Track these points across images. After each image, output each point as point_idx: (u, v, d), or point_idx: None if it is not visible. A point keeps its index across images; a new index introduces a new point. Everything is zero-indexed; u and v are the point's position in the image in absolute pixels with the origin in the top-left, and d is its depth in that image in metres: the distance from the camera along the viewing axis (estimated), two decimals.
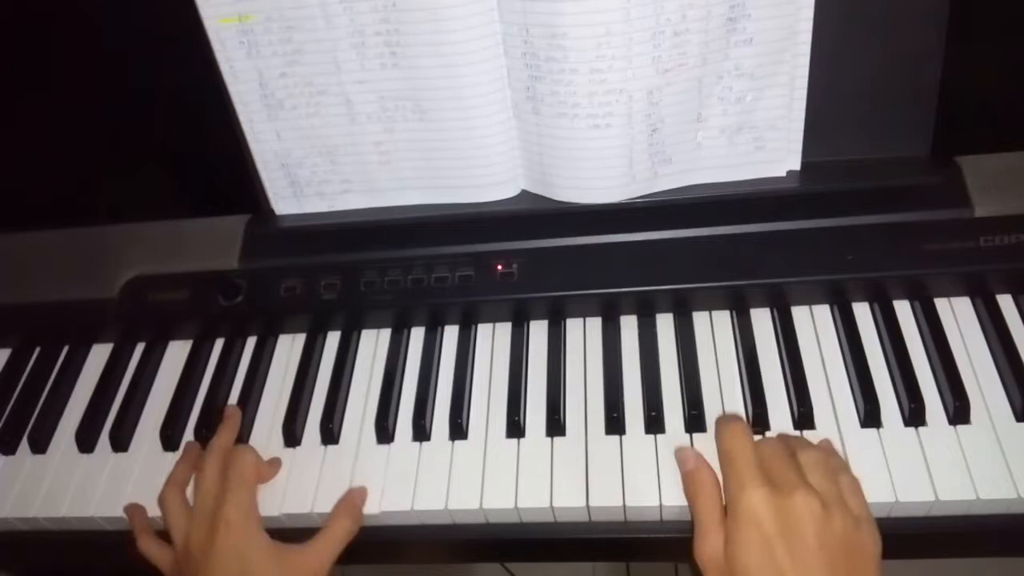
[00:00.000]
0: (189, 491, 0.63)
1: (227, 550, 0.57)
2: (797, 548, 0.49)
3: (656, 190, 0.70)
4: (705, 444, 0.60)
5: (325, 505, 0.62)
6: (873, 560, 0.51)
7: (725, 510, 0.53)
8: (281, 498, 0.63)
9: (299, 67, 0.68)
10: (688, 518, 0.59)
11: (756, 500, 0.50)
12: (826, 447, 0.58)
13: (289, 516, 0.62)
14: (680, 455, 0.58)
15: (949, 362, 0.62)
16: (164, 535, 0.62)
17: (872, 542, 0.51)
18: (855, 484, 0.54)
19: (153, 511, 0.64)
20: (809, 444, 0.56)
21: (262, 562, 0.57)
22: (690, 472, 0.56)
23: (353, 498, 0.61)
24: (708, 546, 0.52)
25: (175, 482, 0.63)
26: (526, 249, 0.70)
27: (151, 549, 0.62)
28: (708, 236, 0.68)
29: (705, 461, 0.57)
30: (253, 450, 0.64)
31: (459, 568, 1.36)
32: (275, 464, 0.65)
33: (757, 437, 0.59)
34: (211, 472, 0.61)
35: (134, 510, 0.64)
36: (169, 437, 0.68)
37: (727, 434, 0.55)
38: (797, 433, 0.60)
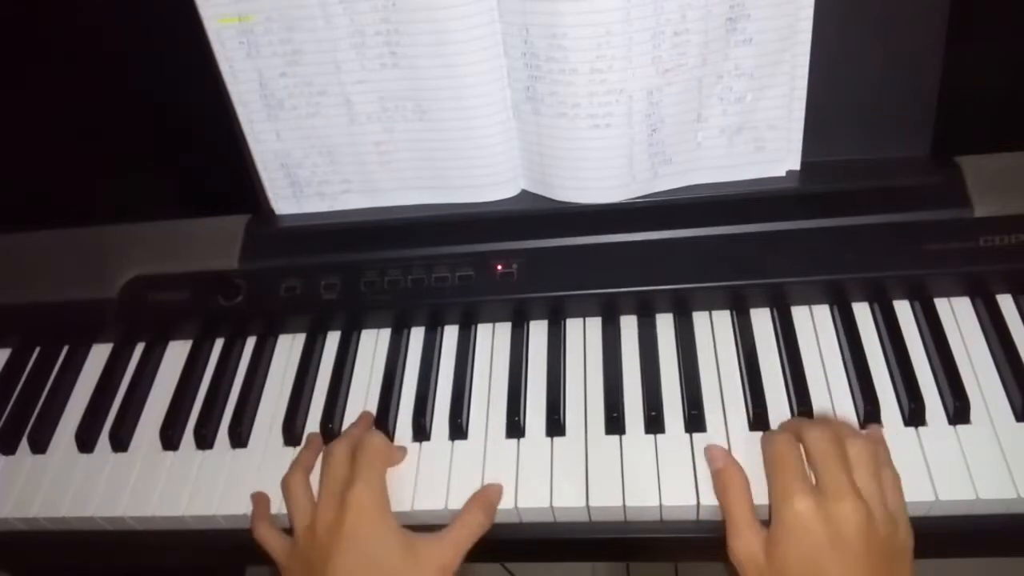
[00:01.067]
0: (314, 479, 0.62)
1: (357, 532, 0.55)
2: (845, 556, 0.49)
3: (656, 190, 0.70)
4: (706, 444, 0.60)
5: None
6: (910, 560, 0.52)
7: (763, 508, 0.53)
8: (281, 498, 0.63)
9: (299, 67, 0.68)
10: (689, 518, 0.59)
11: (804, 509, 0.50)
12: (876, 436, 0.57)
13: (283, 513, 0.62)
14: (709, 453, 0.58)
15: (949, 362, 0.62)
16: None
17: (909, 542, 0.52)
18: (896, 480, 0.54)
19: (158, 510, 0.64)
20: (857, 434, 0.55)
21: (392, 547, 0.55)
22: (720, 471, 0.56)
23: (489, 493, 0.59)
24: (743, 544, 0.52)
25: (301, 466, 0.62)
26: (526, 249, 0.70)
27: (268, 536, 0.60)
28: (708, 236, 0.68)
29: (734, 459, 0.57)
30: (382, 434, 0.62)
31: (459, 568, 1.36)
32: (403, 450, 0.63)
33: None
34: (340, 455, 0.60)
35: (259, 497, 0.62)
36: (169, 437, 0.68)
37: (774, 440, 0.56)
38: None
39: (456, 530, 0.57)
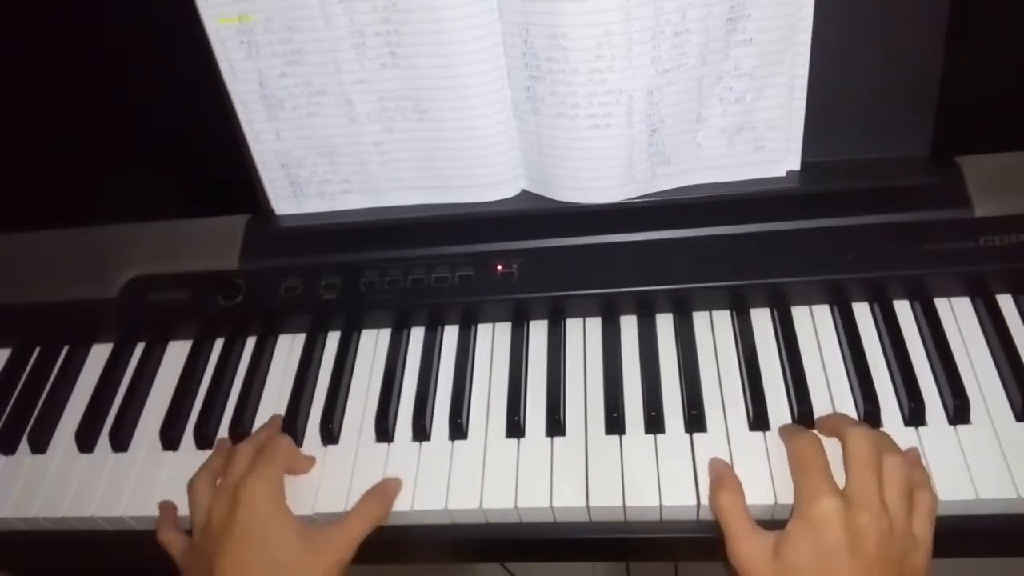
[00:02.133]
0: None
1: (249, 520, 0.55)
2: (859, 564, 0.49)
3: (656, 190, 0.70)
4: (705, 444, 0.60)
5: (326, 505, 0.61)
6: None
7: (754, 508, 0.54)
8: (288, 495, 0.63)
9: (299, 67, 0.68)
10: (689, 518, 0.59)
11: (830, 510, 0.50)
12: (912, 458, 0.57)
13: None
14: (711, 464, 0.58)
15: (949, 362, 0.62)
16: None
17: (926, 567, 0.52)
18: (933, 504, 0.54)
19: (155, 511, 0.64)
20: (896, 450, 0.55)
21: (286, 535, 0.56)
22: (719, 480, 0.57)
23: (387, 486, 0.60)
24: (747, 548, 0.52)
25: (207, 469, 0.62)
26: (526, 249, 0.70)
27: (168, 536, 0.61)
28: (708, 236, 0.68)
29: (730, 468, 0.57)
30: (288, 438, 0.63)
31: (459, 568, 1.36)
32: (310, 460, 0.64)
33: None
34: (243, 453, 0.61)
35: (165, 505, 0.63)
36: (169, 437, 0.68)
37: (802, 440, 0.56)
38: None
39: (351, 520, 0.58)
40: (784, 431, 0.59)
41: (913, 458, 0.57)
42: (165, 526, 0.62)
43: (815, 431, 0.58)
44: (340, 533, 0.57)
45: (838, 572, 0.49)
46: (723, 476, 0.57)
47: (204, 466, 0.63)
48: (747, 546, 0.52)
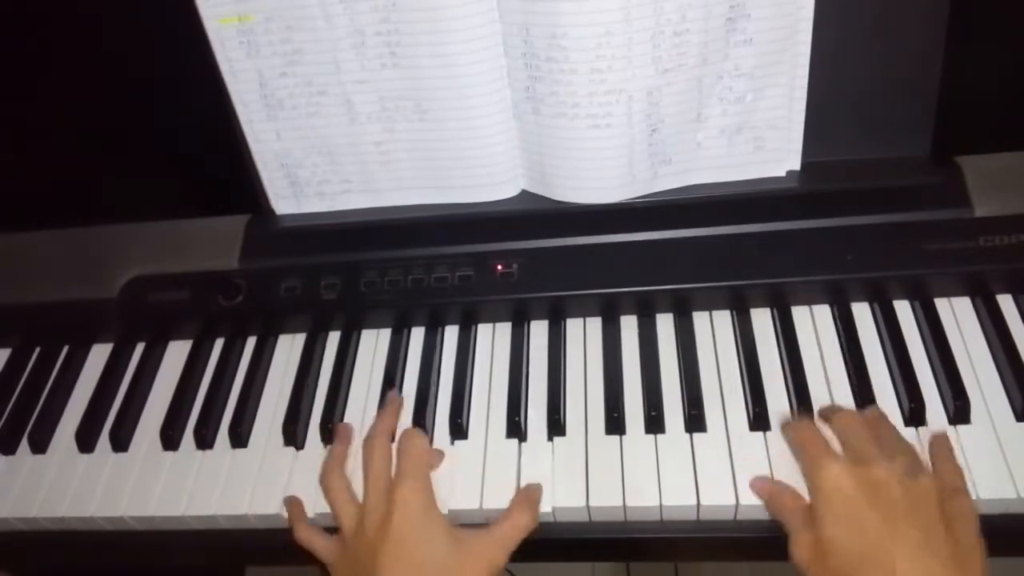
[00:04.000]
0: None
1: (404, 531, 0.55)
2: (886, 510, 0.49)
3: (656, 190, 0.70)
4: (705, 444, 0.60)
5: (324, 505, 0.61)
6: (973, 527, 0.51)
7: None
8: (282, 499, 0.63)
9: (299, 67, 0.68)
10: (689, 518, 0.59)
11: (835, 473, 0.51)
12: (946, 451, 0.57)
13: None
14: (754, 485, 0.58)
15: (949, 362, 0.62)
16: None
17: (973, 510, 0.52)
18: (957, 469, 0.55)
19: (158, 511, 0.64)
20: (889, 424, 0.57)
21: (440, 545, 0.55)
22: (763, 489, 0.57)
23: (532, 492, 0.59)
24: (801, 544, 0.52)
25: (337, 463, 0.62)
26: (526, 249, 0.70)
27: (311, 537, 0.60)
28: (708, 236, 0.68)
29: (771, 480, 0.57)
30: (421, 434, 0.62)
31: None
32: (441, 454, 0.63)
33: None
34: (381, 454, 0.60)
35: (293, 501, 0.62)
36: (169, 437, 0.68)
37: (797, 426, 0.57)
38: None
39: (503, 527, 0.57)
40: (784, 426, 0.60)
41: (941, 439, 0.57)
42: (302, 524, 0.61)
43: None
44: (492, 539, 0.57)
45: (868, 530, 0.49)
46: (766, 486, 0.57)
47: (332, 460, 0.62)
48: (802, 543, 0.52)
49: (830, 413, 0.57)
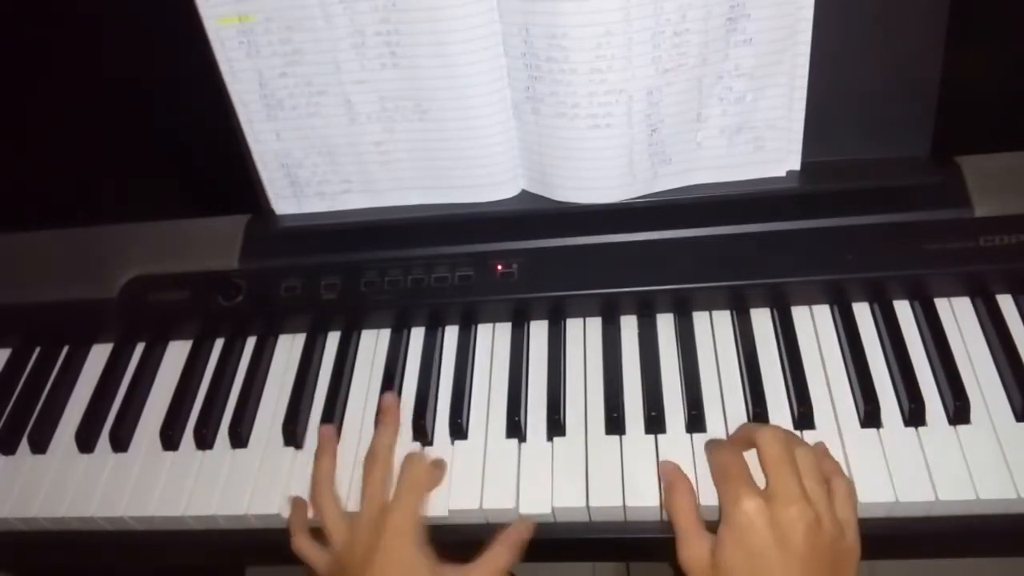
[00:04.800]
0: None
1: (393, 558, 0.56)
2: (789, 558, 0.50)
3: (656, 190, 0.70)
4: (703, 443, 0.60)
5: None
6: (854, 566, 0.53)
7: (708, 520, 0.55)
8: (282, 499, 0.63)
9: (299, 67, 0.68)
10: None
11: (752, 510, 0.51)
12: (821, 450, 0.59)
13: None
14: (662, 467, 0.59)
15: (949, 362, 0.62)
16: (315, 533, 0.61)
17: (855, 548, 0.53)
18: (849, 488, 0.55)
19: (158, 511, 0.64)
20: (806, 445, 0.56)
21: (425, 573, 0.56)
22: (669, 484, 0.57)
23: (520, 530, 0.59)
24: (692, 551, 0.53)
25: (325, 481, 0.61)
26: (526, 249, 0.70)
27: (307, 549, 0.60)
28: (708, 236, 0.68)
29: (681, 472, 0.58)
30: (423, 459, 0.62)
31: None
32: (443, 465, 0.63)
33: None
34: (380, 476, 0.60)
35: (296, 504, 0.62)
36: (169, 437, 0.68)
37: (717, 449, 0.57)
38: (797, 433, 0.60)
39: (485, 562, 0.58)
40: (706, 446, 0.60)
41: (822, 450, 0.58)
42: (301, 534, 0.61)
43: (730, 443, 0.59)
44: (474, 574, 0.57)
45: (770, 569, 0.50)
46: (674, 479, 0.58)
47: (320, 477, 0.61)
48: (689, 550, 0.54)
49: (755, 436, 0.55)
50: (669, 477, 0.58)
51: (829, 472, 0.56)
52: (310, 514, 0.62)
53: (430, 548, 0.57)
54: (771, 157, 0.69)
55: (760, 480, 0.54)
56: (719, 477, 0.56)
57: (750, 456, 0.56)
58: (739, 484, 0.53)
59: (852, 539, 0.53)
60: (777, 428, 0.56)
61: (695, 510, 0.56)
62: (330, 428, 0.65)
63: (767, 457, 0.54)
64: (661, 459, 0.60)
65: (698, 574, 0.53)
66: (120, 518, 0.64)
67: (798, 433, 0.60)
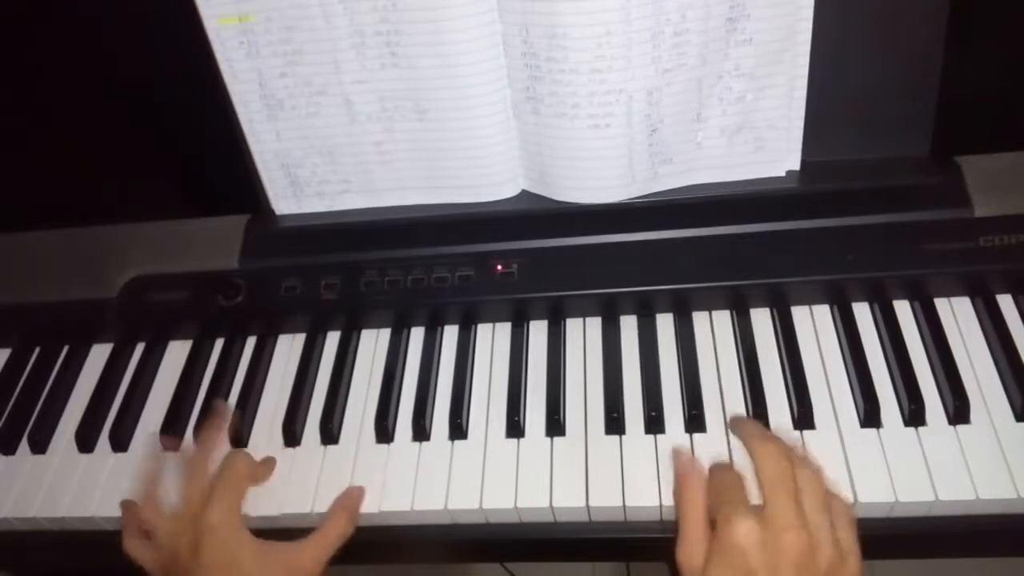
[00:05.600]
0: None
1: (215, 555, 0.56)
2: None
3: (656, 190, 0.70)
4: (705, 445, 0.60)
5: (325, 505, 0.61)
6: None
7: (713, 523, 0.53)
8: (282, 498, 0.63)
9: (299, 67, 0.68)
10: None
11: (743, 532, 0.49)
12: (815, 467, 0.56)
13: (289, 516, 0.62)
14: (675, 459, 0.58)
15: (949, 362, 0.62)
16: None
17: (856, 573, 0.51)
18: (846, 509, 0.53)
19: None
20: (807, 462, 0.54)
21: (251, 562, 0.57)
22: (681, 477, 0.56)
23: (351, 497, 0.61)
24: (689, 553, 0.52)
25: (149, 481, 0.62)
26: (526, 249, 0.70)
27: (137, 550, 0.61)
28: (708, 236, 0.68)
29: (698, 469, 0.56)
30: (244, 455, 0.63)
31: (459, 568, 1.36)
32: (269, 464, 0.64)
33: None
34: (196, 474, 0.61)
35: (128, 509, 0.63)
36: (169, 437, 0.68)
37: (717, 469, 0.55)
38: (797, 434, 0.60)
39: (318, 536, 0.59)
40: (711, 468, 0.57)
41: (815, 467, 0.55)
42: (131, 537, 0.61)
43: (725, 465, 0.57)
44: (306, 549, 0.58)
45: None
46: (686, 472, 0.55)
47: (147, 479, 0.63)
48: (685, 553, 0.52)
49: (754, 450, 0.54)
50: (681, 469, 0.56)
51: (828, 495, 0.53)
52: (307, 506, 0.62)
53: (251, 535, 0.58)
54: (771, 157, 0.69)
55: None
56: (714, 493, 0.54)
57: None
58: (732, 504, 0.51)
59: (853, 565, 0.51)
60: (778, 443, 0.54)
61: (701, 509, 0.54)
62: (155, 436, 0.67)
63: (764, 476, 0.52)
64: (666, 457, 0.60)
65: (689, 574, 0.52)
66: (120, 518, 0.64)
67: (798, 434, 0.60)
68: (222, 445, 0.65)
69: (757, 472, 0.53)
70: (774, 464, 0.52)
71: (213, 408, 0.67)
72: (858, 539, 0.52)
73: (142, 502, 0.62)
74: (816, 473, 0.53)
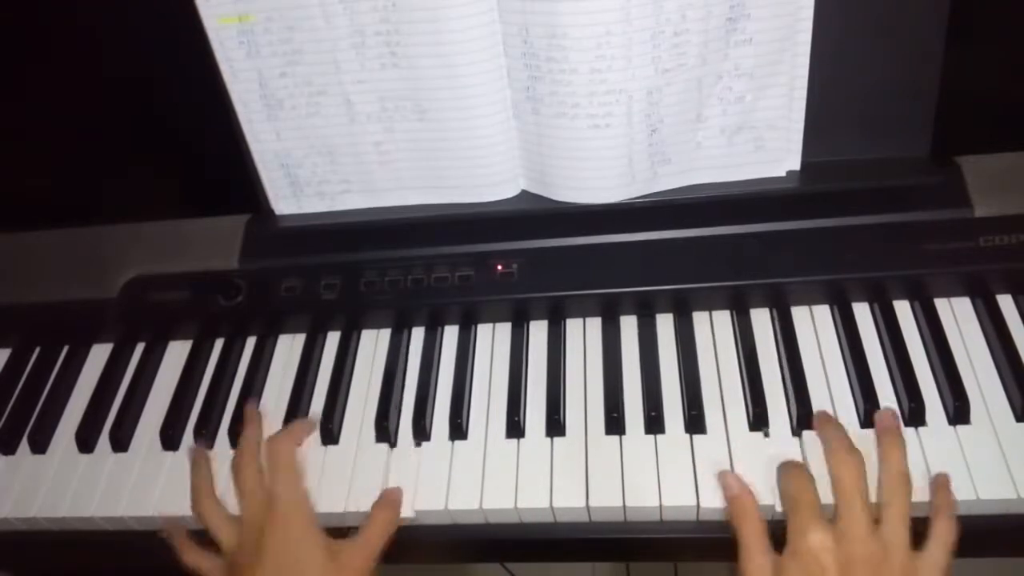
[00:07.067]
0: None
1: (281, 549, 0.56)
2: None
3: (656, 190, 0.70)
4: (705, 445, 0.60)
5: (325, 505, 0.61)
6: None
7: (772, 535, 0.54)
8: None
9: (299, 67, 0.68)
10: (689, 518, 0.59)
11: (818, 544, 0.50)
12: (942, 481, 0.55)
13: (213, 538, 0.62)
14: (723, 480, 0.58)
15: (949, 362, 0.62)
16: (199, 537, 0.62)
17: None
18: (947, 534, 0.53)
19: (158, 510, 0.64)
20: (904, 489, 0.54)
21: (315, 558, 0.57)
22: (734, 498, 0.56)
23: (392, 495, 0.60)
24: (755, 566, 0.52)
25: (206, 487, 0.62)
26: (526, 249, 0.70)
27: (199, 561, 0.61)
28: (708, 236, 0.68)
29: (747, 487, 0.56)
30: (287, 436, 0.63)
31: (459, 568, 1.36)
32: (305, 425, 0.65)
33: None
34: (250, 471, 0.61)
35: (171, 525, 0.62)
36: (169, 437, 0.68)
37: (790, 477, 0.56)
38: (805, 437, 0.60)
39: (367, 532, 0.59)
40: (780, 467, 0.58)
41: (942, 483, 0.55)
42: (188, 550, 0.61)
43: (803, 466, 0.57)
44: (360, 546, 0.58)
45: None
46: (740, 493, 0.56)
47: (199, 488, 0.62)
48: (753, 565, 0.52)
49: (832, 459, 0.55)
50: (733, 491, 0.56)
51: (939, 507, 0.53)
52: (333, 503, 0.62)
53: (320, 529, 0.58)
54: (771, 157, 0.69)
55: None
56: (788, 504, 0.54)
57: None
58: (806, 516, 0.52)
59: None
60: (858, 456, 0.54)
61: (760, 523, 0.54)
62: (201, 446, 0.66)
63: (841, 487, 0.53)
64: (662, 457, 0.60)
65: None
66: (120, 518, 0.64)
67: (796, 440, 0.60)
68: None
69: (833, 483, 0.54)
70: (852, 475, 0.53)
71: (247, 411, 0.66)
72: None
73: (198, 507, 0.61)
74: (903, 483, 0.54)
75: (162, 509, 0.64)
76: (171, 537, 0.62)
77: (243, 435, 0.64)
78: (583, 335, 0.69)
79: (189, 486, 0.63)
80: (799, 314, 0.67)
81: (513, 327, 0.70)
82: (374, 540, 0.59)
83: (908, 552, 0.51)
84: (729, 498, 0.57)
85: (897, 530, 0.52)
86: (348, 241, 0.73)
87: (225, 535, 0.60)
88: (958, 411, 0.59)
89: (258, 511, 0.59)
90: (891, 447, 0.56)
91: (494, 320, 0.71)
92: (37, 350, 0.78)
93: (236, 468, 0.62)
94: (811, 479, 0.55)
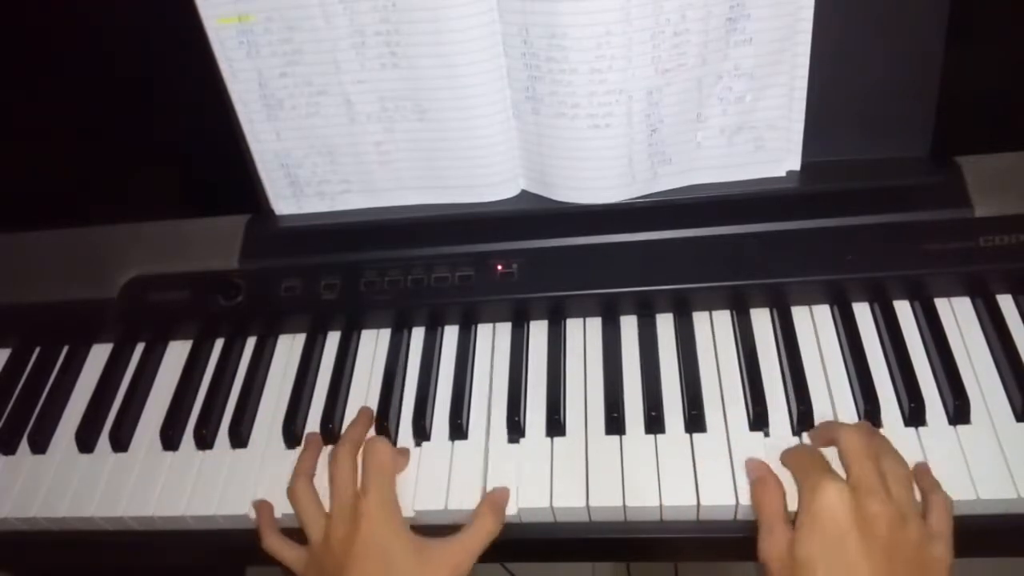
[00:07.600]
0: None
1: (370, 543, 0.56)
2: (872, 547, 0.48)
3: (656, 190, 0.70)
4: (705, 444, 0.60)
5: (325, 504, 0.61)
6: (948, 573, 0.51)
7: (792, 515, 0.54)
8: (281, 498, 0.63)
9: (299, 67, 0.68)
10: (689, 518, 0.59)
11: (833, 494, 0.50)
12: (922, 468, 0.56)
13: (289, 516, 0.62)
14: (749, 464, 0.58)
15: (949, 362, 0.62)
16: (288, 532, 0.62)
17: (948, 562, 0.51)
18: (946, 502, 0.54)
19: (157, 510, 0.64)
20: (895, 455, 0.55)
21: (404, 555, 0.56)
22: (758, 479, 0.56)
23: (497, 497, 0.60)
24: (772, 542, 0.52)
25: (304, 474, 0.62)
26: (526, 249, 0.70)
27: (279, 547, 0.60)
28: (708, 236, 0.68)
29: (771, 470, 0.57)
30: (387, 441, 0.62)
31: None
32: (406, 454, 0.63)
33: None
34: (347, 464, 0.60)
35: (262, 506, 0.62)
36: (169, 437, 0.68)
37: (796, 449, 0.57)
38: (793, 440, 0.60)
39: (467, 534, 0.58)
40: (783, 453, 0.58)
41: (923, 468, 0.57)
42: (272, 533, 0.61)
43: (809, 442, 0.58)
44: (456, 549, 0.57)
45: (850, 558, 0.48)
46: (763, 474, 0.56)
47: (299, 470, 0.62)
48: (770, 541, 0.53)
49: (838, 431, 0.55)
50: (757, 472, 0.57)
51: (928, 488, 0.54)
52: (277, 513, 0.62)
53: (408, 528, 0.58)
54: (771, 157, 0.69)
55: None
56: (798, 470, 0.55)
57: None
58: (819, 473, 0.52)
59: (943, 552, 0.51)
60: (862, 426, 0.55)
61: (781, 502, 0.54)
62: (317, 435, 0.66)
63: (848, 449, 0.53)
64: (662, 457, 0.60)
65: (776, 567, 0.52)
66: (120, 518, 0.64)
67: (796, 440, 0.60)
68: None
69: (840, 449, 0.54)
70: (856, 436, 0.54)
71: (362, 411, 0.66)
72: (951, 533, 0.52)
73: (294, 491, 0.61)
74: (901, 462, 0.54)
75: (162, 509, 0.64)
76: (259, 517, 0.62)
77: (349, 429, 0.64)
78: (583, 335, 0.69)
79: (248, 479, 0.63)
80: (799, 314, 0.67)
81: (513, 327, 0.70)
82: (472, 544, 0.58)
83: (921, 518, 0.52)
84: (752, 481, 0.57)
85: (907, 496, 0.52)
86: (348, 241, 0.73)
87: (312, 520, 0.59)
88: (958, 411, 0.59)
89: (347, 504, 0.58)
90: (884, 440, 0.56)
91: (494, 320, 0.71)
92: (37, 350, 0.78)
93: (335, 458, 0.61)
94: (816, 450, 0.56)
